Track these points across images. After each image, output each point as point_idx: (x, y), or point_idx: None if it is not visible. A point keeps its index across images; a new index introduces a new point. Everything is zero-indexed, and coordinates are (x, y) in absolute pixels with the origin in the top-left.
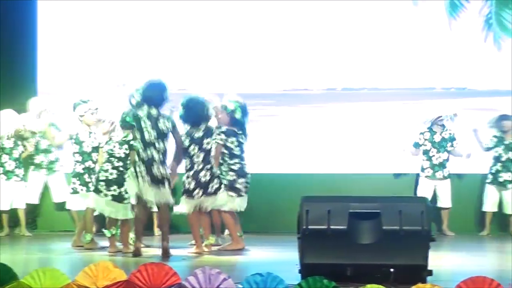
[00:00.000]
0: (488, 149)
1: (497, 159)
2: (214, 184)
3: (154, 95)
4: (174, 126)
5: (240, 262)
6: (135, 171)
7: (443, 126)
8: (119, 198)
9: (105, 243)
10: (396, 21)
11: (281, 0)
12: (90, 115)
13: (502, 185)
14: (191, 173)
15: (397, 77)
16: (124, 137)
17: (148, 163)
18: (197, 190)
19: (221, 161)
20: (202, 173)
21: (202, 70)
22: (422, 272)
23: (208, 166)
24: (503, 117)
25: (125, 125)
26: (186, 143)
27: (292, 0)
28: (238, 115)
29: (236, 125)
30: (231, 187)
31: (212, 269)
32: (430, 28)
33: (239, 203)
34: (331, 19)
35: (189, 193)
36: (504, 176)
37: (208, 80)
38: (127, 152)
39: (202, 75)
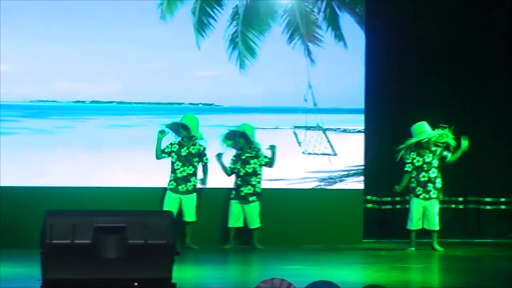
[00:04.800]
0: (232, 170)
1: (237, 174)
2: None
3: None
4: None
5: None
6: None
7: (195, 142)
8: None
9: None
10: (145, 35)
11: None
12: None
13: (244, 199)
14: None
15: (146, 91)
16: None
17: None
18: None
19: None
20: None
21: None
22: (165, 285)
23: None
24: (235, 134)
25: None
26: None
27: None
28: None
29: None
30: None
31: None
32: (179, 43)
33: None
34: (80, 31)
35: None
36: (245, 190)
37: None
38: None
39: None
